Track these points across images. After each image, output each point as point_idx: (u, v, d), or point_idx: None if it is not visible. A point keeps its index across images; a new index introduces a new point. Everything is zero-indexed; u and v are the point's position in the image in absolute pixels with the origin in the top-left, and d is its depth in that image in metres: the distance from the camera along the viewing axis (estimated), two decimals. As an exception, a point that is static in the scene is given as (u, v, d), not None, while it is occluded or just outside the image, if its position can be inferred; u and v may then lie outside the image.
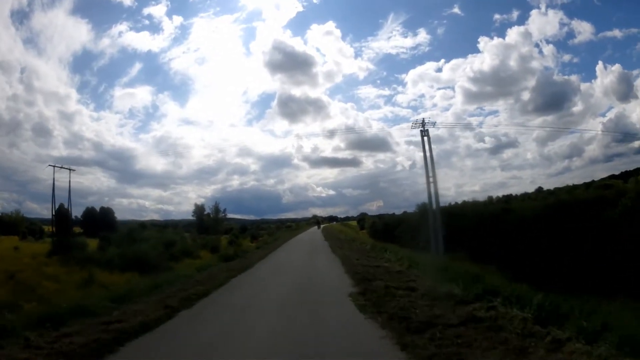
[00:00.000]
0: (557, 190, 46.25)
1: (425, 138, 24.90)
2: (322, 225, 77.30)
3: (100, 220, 58.10)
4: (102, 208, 64.79)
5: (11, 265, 19.26)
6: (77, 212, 56.24)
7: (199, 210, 68.29)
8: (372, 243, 25.21)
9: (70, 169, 40.98)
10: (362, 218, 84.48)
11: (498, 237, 19.96)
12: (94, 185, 76.93)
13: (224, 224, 65.87)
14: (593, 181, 47.20)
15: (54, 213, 38.34)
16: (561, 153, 74.80)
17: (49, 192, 71.59)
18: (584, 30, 66.00)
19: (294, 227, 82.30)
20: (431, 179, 24.40)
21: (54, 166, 39.27)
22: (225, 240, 36.92)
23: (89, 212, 62.37)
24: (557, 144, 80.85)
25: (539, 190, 54.07)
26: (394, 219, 35.16)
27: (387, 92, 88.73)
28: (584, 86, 69.56)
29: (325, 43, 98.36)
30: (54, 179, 38.75)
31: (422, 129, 24.87)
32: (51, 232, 39.78)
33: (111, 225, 56.72)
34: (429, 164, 24.53)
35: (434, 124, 25.65)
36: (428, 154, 24.69)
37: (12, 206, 65.95)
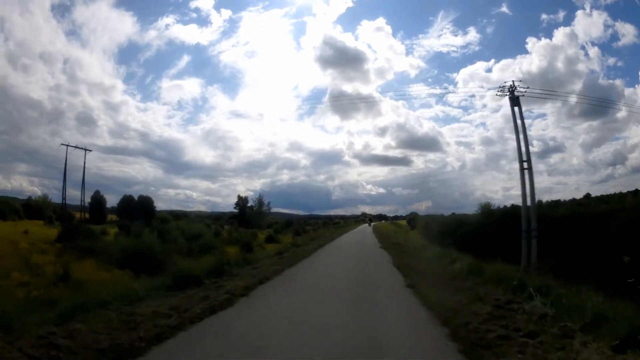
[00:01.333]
0: (608, 198, 42.93)
1: (517, 108, 18.85)
2: (372, 223, 73.76)
3: (138, 208, 57.24)
4: (141, 196, 63.67)
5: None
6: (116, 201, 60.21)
7: (242, 202, 66.71)
8: (432, 247, 21.87)
9: (85, 149, 38.80)
10: (412, 218, 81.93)
11: (597, 245, 15.54)
12: (139, 175, 79.94)
13: (268, 218, 63.51)
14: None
15: (64, 197, 35.97)
16: (605, 160, 72.08)
17: (92, 180, 75.32)
18: (627, 32, 61.27)
19: (342, 224, 79.32)
20: (525, 165, 18.30)
21: (67, 145, 37.43)
22: (263, 236, 34.90)
23: (126, 200, 61.61)
24: (601, 150, 76.95)
25: (588, 196, 51.80)
26: (452, 220, 30.75)
27: (438, 90, 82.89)
28: (627, 91, 65.57)
29: (376, 39, 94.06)
30: (66, 159, 36.82)
31: (510, 95, 18.73)
32: (82, 219, 38.30)
33: (149, 214, 55.22)
34: (522, 144, 18.44)
35: (524, 90, 19.07)
36: (520, 128, 18.63)
37: (52, 193, 68.35)
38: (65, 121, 71.23)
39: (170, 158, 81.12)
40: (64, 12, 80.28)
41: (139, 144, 78.93)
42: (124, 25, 79.08)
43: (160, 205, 73.27)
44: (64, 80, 72.01)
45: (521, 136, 18.44)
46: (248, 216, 65.05)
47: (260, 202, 65.40)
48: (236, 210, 67.49)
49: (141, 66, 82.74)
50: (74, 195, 57.34)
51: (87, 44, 73.75)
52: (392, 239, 31.13)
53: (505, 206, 26.59)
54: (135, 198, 61.48)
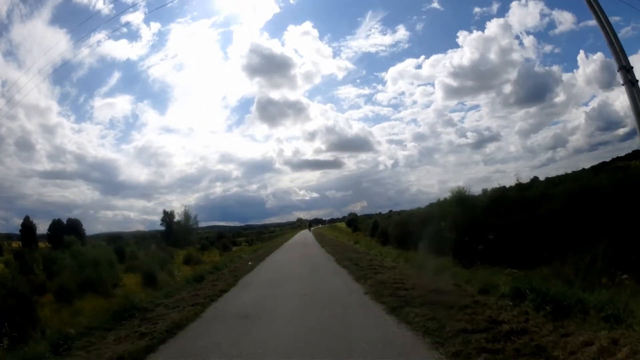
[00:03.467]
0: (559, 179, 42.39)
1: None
2: (312, 228, 71.34)
3: (67, 232, 51.79)
4: (70, 220, 59.33)
5: None
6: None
7: (167, 217, 58.85)
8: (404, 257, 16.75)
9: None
10: (352, 219, 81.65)
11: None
12: (78, 199, 76.17)
13: (196, 233, 57.09)
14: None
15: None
16: (545, 144, 73.73)
17: (36, 207, 71.48)
18: (565, 20, 64.11)
19: (277, 232, 73.72)
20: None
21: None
22: (181, 256, 27.09)
23: (56, 225, 56.78)
24: (540, 136, 79.77)
25: (535, 179, 54.28)
26: (414, 217, 25.97)
27: (367, 91, 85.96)
28: (566, 76, 69.77)
29: (303, 44, 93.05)
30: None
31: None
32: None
33: (80, 238, 51.20)
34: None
35: None
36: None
37: None
38: (5, 147, 66.30)
39: (106, 179, 78.74)
40: (2, 30, 71.19)
41: (75, 166, 74.47)
42: (58, 43, 74.09)
43: (99, 228, 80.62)
44: (2, 104, 62.25)
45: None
46: (175, 232, 56.48)
47: (186, 216, 57.50)
48: (162, 228, 59.62)
49: (74, 85, 77.37)
50: (18, 225, 54.23)
51: (23, 65, 66.29)
52: (341, 245, 26.49)
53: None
54: (63, 221, 57.08)
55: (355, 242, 26.67)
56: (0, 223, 72.44)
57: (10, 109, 70.19)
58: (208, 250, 34.44)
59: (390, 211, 71.23)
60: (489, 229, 17.87)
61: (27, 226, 54.92)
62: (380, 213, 72.35)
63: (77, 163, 74.89)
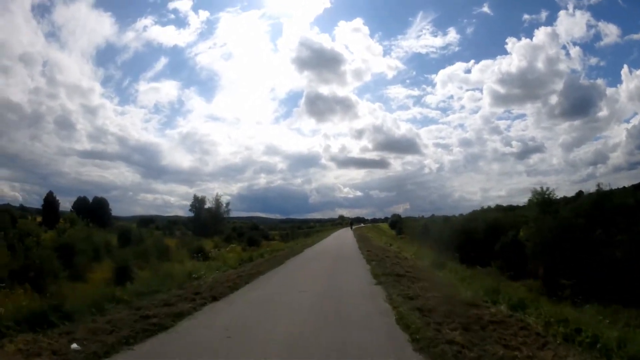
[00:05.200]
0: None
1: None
2: (354, 227, 66.84)
3: (93, 211, 49.54)
4: (96, 198, 58.95)
5: None
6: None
7: (197, 204, 56.01)
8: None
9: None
10: (396, 220, 79.53)
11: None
12: (118, 180, 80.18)
13: (226, 222, 53.64)
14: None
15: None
16: (586, 159, 72.77)
17: (72, 185, 72.89)
18: (610, 32, 63.08)
19: (317, 228, 69.61)
20: None
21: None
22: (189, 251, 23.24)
23: (81, 202, 55.58)
24: (582, 150, 77.92)
25: (579, 194, 50.05)
26: (478, 223, 20.22)
27: (416, 92, 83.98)
28: (609, 91, 67.69)
29: (354, 40, 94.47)
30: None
31: None
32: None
33: (105, 218, 52.16)
34: None
35: None
36: None
37: (33, 198, 70.34)
38: (44, 125, 70.11)
39: (148, 162, 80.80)
40: (44, 12, 79.39)
41: (117, 148, 76.96)
42: (103, 26, 76.76)
43: (138, 210, 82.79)
44: (43, 83, 69.65)
45: None
46: (204, 219, 53.84)
47: (217, 203, 54.03)
48: (192, 214, 57.57)
49: (119, 68, 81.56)
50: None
51: (65, 46, 73.68)
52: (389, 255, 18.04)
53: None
54: (89, 200, 56.84)
55: (415, 256, 17.20)
56: (34, 198, 72.37)
57: (51, 89, 72.93)
58: (234, 243, 30.65)
59: (433, 215, 70.50)
60: (598, 244, 12.27)
61: (50, 202, 54.33)
62: (422, 216, 70.16)
63: (118, 145, 77.44)
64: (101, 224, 39.53)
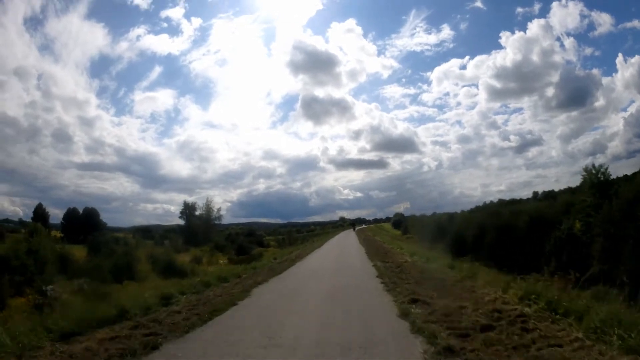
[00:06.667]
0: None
1: None
2: (357, 228, 63.74)
3: (83, 222, 49.96)
4: (86, 209, 55.76)
5: None
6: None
7: (188, 210, 52.50)
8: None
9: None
10: (399, 220, 76.69)
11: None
12: (117, 191, 78.69)
13: (217, 229, 50.01)
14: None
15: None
16: (585, 150, 72.00)
17: (71, 197, 70.00)
18: (604, 21, 63.99)
19: (317, 231, 66.62)
20: None
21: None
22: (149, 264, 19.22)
23: (71, 214, 53.84)
24: (580, 141, 77.97)
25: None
26: (520, 216, 16.49)
27: (412, 90, 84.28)
28: (605, 80, 68.34)
29: (347, 41, 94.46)
30: None
31: None
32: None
33: (95, 229, 47.69)
34: None
35: None
36: None
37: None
38: (42, 138, 70.69)
39: (146, 172, 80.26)
40: (37, 25, 76.20)
41: (115, 159, 76.63)
42: (96, 37, 78.57)
43: (139, 220, 78.94)
44: (38, 97, 69.03)
45: None
46: (195, 228, 50.40)
47: (208, 208, 50.44)
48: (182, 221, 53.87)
49: (113, 79, 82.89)
50: (53, 214, 52.86)
51: (60, 58, 72.29)
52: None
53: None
54: (79, 210, 54.44)
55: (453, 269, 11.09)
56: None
57: (47, 102, 71.46)
58: (215, 255, 27.00)
59: (434, 213, 68.28)
60: None
61: (39, 214, 51.17)
62: (434, 213, 69.37)
63: (116, 156, 75.52)
64: (90, 235, 37.66)
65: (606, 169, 15.53)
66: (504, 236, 15.20)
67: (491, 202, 50.10)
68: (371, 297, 8.03)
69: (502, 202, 45.44)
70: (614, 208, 11.68)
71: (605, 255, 11.01)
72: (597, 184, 15.03)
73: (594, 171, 15.38)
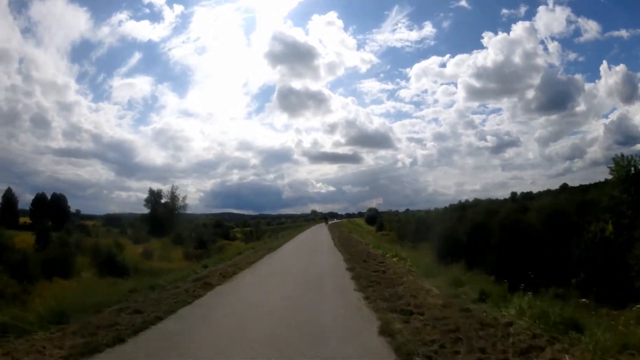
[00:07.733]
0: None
1: None
2: (330, 222, 63.43)
3: (51, 208, 49.20)
4: (54, 194, 54.74)
5: None
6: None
7: (154, 197, 49.11)
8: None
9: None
10: (373, 215, 74.92)
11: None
12: (92, 178, 77.89)
13: (182, 219, 46.89)
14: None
15: None
16: (563, 154, 72.48)
17: (48, 184, 69.72)
18: (590, 28, 63.21)
19: (288, 224, 64.67)
20: None
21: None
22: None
23: (39, 199, 52.45)
24: (559, 145, 77.43)
25: (565, 187, 51.57)
26: (538, 215, 14.04)
27: (390, 86, 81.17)
28: (588, 86, 68.56)
29: (327, 34, 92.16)
30: None
31: None
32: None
33: (63, 215, 49.95)
34: None
35: None
36: None
37: None
38: (21, 123, 67.47)
39: (122, 160, 78.57)
40: (21, 7, 73.03)
41: (91, 145, 74.24)
42: (79, 21, 74.39)
43: (112, 209, 76.75)
44: (19, 81, 66.10)
45: None
46: (159, 217, 46.88)
47: (172, 197, 47.16)
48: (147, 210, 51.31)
49: (93, 64, 78.49)
50: (30, 201, 52.40)
51: (42, 42, 69.13)
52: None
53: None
54: (47, 196, 53.30)
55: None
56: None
57: (27, 86, 66.65)
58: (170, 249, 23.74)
59: (407, 210, 66.96)
60: None
61: (8, 199, 49.83)
62: (397, 211, 69.90)
63: (93, 142, 73.98)
64: (58, 221, 37.99)
65: (637, 160, 13.47)
66: (512, 238, 12.81)
67: (489, 199, 49.80)
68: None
69: (499, 201, 44.62)
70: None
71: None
72: (633, 176, 12.80)
73: (626, 162, 13.22)
